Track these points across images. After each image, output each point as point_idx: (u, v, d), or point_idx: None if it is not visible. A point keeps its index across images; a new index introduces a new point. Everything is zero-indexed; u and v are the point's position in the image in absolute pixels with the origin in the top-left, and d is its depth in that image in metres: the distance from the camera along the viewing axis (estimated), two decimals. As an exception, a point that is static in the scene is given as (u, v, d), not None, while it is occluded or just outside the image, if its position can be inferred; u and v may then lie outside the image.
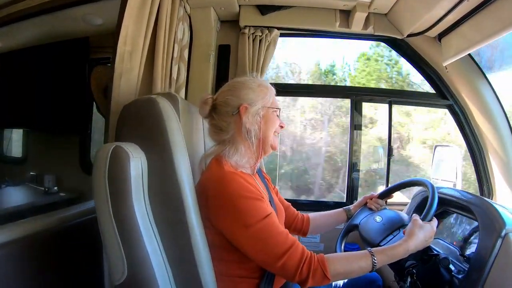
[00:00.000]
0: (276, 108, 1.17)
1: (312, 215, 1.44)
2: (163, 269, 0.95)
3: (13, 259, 1.11)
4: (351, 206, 1.46)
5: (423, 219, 1.09)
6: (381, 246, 1.18)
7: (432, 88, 2.18)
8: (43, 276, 1.21)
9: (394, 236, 1.18)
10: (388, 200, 1.44)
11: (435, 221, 1.11)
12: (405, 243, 1.02)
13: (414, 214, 1.13)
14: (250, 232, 0.95)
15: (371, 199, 1.41)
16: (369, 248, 1.02)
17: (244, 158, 1.11)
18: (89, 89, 2.33)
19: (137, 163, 0.94)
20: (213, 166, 1.07)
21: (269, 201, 1.14)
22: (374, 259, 0.98)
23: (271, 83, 1.21)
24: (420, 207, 1.42)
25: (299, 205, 1.47)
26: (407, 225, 1.12)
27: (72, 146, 2.63)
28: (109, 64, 1.62)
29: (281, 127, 1.20)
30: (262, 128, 1.12)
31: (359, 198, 1.48)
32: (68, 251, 1.31)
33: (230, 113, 1.11)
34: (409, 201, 1.62)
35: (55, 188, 2.49)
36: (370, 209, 1.39)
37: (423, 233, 1.04)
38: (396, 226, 1.22)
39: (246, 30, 1.98)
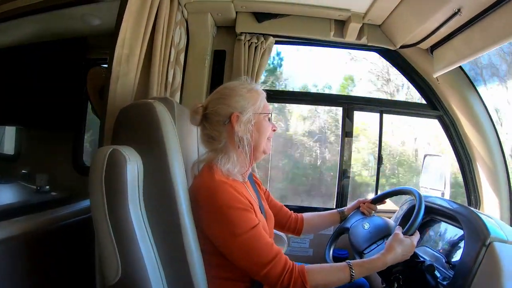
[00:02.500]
0: (268, 113, 1.17)
1: (306, 215, 1.46)
2: (156, 270, 0.97)
3: (3, 258, 1.11)
4: (345, 208, 1.47)
5: (405, 232, 1.12)
6: (365, 253, 1.22)
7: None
8: (34, 276, 1.20)
9: (378, 246, 1.22)
10: (379, 207, 1.45)
11: (417, 235, 1.14)
12: (383, 257, 1.06)
13: (397, 227, 1.16)
14: (237, 241, 0.97)
15: (364, 203, 1.43)
16: (347, 261, 1.05)
17: (237, 167, 1.11)
18: (85, 89, 2.33)
19: (133, 166, 0.95)
20: (205, 174, 1.07)
21: (259, 207, 1.16)
22: (352, 272, 1.02)
23: (263, 89, 1.20)
24: (406, 216, 1.44)
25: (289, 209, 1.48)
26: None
27: (65, 146, 2.61)
28: (106, 66, 1.62)
29: (273, 130, 1.20)
30: (254, 136, 1.12)
31: (353, 202, 1.49)
32: (60, 251, 1.31)
33: (222, 122, 1.11)
34: (397, 208, 1.64)
35: (47, 187, 2.46)
36: (362, 213, 1.41)
37: (401, 248, 1.08)
38: (381, 235, 1.25)
39: (242, 37, 2.00)
